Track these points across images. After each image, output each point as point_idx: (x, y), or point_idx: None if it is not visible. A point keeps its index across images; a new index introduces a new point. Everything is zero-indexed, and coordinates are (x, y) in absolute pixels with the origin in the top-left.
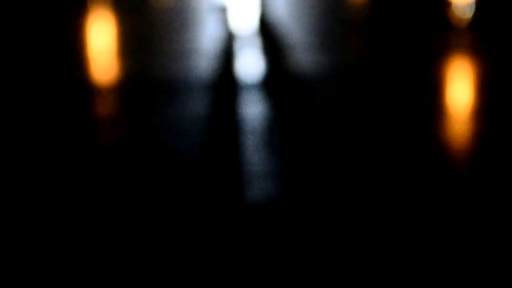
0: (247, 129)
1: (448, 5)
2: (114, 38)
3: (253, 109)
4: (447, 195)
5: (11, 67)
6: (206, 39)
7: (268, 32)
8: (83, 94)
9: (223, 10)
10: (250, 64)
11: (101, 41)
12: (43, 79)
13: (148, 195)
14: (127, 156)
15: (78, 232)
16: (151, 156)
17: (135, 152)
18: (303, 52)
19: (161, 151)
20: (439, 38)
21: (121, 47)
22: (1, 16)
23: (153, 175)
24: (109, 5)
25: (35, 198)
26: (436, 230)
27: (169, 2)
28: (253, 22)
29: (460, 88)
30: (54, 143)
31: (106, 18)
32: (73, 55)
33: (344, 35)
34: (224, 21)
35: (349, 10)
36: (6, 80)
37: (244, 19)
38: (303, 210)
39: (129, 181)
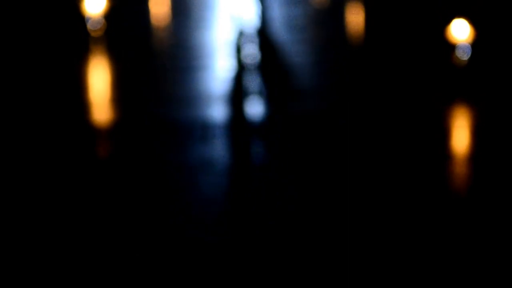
0: (250, 176)
1: (449, 46)
2: (114, 82)
3: (256, 155)
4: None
5: (9, 111)
6: (209, 83)
7: (271, 76)
8: (85, 139)
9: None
10: (253, 109)
11: (102, 85)
12: (44, 124)
13: (151, 237)
14: (132, 199)
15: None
16: (154, 199)
17: (139, 196)
18: (304, 97)
19: (164, 196)
20: (439, 79)
21: (122, 92)
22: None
23: (159, 216)
24: (111, 48)
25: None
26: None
27: (172, 42)
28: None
29: (460, 131)
30: (60, 189)
31: (108, 61)
32: (76, 99)
33: (340, 78)
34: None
35: (346, 50)
36: (5, 124)
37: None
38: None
39: (136, 222)
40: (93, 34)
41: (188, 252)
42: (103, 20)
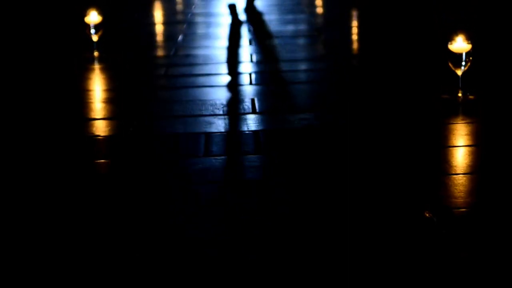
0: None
1: (446, 55)
2: (114, 93)
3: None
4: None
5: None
6: (210, 94)
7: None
8: (85, 147)
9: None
10: (252, 120)
11: (102, 95)
12: (41, 136)
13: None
14: (131, 201)
15: None
16: (154, 200)
17: (139, 198)
18: (302, 109)
19: (164, 197)
20: (438, 88)
21: (122, 103)
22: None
23: (159, 216)
24: (111, 57)
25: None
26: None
27: (174, 54)
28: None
29: (460, 142)
30: (61, 190)
31: (108, 71)
32: (75, 110)
33: (340, 88)
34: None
35: (345, 62)
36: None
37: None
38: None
39: (136, 222)
40: (94, 42)
41: (188, 252)
42: (104, 29)
